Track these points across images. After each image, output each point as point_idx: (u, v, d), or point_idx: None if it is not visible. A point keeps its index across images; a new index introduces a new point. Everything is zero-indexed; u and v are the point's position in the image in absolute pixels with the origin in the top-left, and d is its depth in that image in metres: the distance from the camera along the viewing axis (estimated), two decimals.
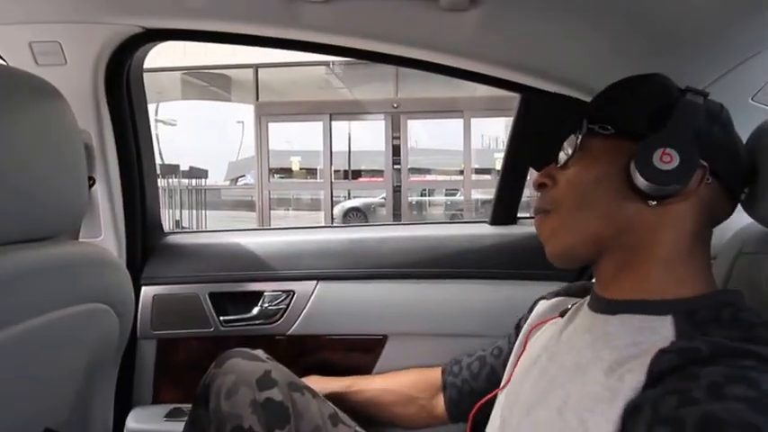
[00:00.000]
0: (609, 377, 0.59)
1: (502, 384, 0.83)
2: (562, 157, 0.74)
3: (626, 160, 0.66)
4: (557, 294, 0.92)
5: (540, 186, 0.75)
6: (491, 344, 1.06)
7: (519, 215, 1.49)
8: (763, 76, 1.05)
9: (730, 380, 0.49)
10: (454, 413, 1.08)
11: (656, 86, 0.71)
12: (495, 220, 1.48)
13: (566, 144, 0.74)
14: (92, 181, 1.23)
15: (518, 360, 0.82)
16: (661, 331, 0.61)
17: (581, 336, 0.70)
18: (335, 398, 1.12)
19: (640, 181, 0.63)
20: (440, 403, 1.09)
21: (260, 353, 1.05)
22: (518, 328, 0.99)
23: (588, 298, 0.77)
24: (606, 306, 0.70)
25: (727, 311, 0.60)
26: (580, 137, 0.71)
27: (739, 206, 0.82)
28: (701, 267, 0.67)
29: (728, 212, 0.71)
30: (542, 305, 0.92)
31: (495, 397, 0.84)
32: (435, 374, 1.13)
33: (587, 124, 0.71)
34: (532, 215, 0.80)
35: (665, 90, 0.70)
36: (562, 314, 0.81)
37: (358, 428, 1.06)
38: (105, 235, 1.29)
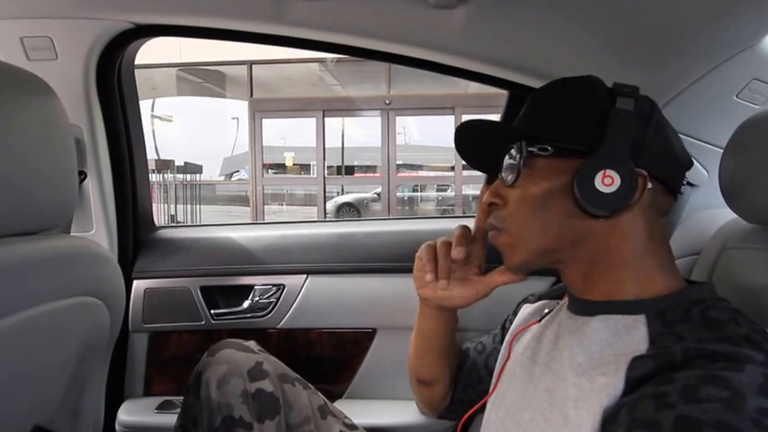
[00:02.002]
0: (581, 378, 0.62)
1: (490, 391, 0.84)
2: (507, 176, 0.73)
3: (569, 178, 0.66)
4: (540, 297, 0.93)
5: (490, 205, 0.75)
6: (476, 337, 1.07)
7: None
8: (747, 73, 1.06)
9: (703, 382, 0.51)
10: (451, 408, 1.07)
11: (586, 97, 0.71)
12: None
13: (507, 163, 0.74)
14: (83, 175, 1.24)
15: (504, 366, 0.84)
16: (635, 333, 0.62)
17: (561, 338, 0.72)
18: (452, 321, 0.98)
19: (585, 205, 0.65)
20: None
21: (252, 344, 1.06)
22: (503, 328, 1.00)
23: (567, 300, 0.78)
24: (584, 307, 0.71)
25: (697, 309, 0.62)
26: (522, 159, 0.70)
27: (723, 202, 0.84)
28: (664, 262, 0.69)
29: (672, 204, 0.72)
30: (526, 308, 0.93)
31: (484, 403, 0.85)
32: None
33: (527, 147, 0.70)
34: None
35: (595, 99, 0.70)
36: (540, 320, 0.83)
37: (347, 419, 1.07)
38: (97, 229, 1.29)
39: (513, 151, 0.72)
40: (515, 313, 0.97)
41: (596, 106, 0.69)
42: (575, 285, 0.73)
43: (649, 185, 0.66)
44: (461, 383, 1.03)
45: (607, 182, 0.64)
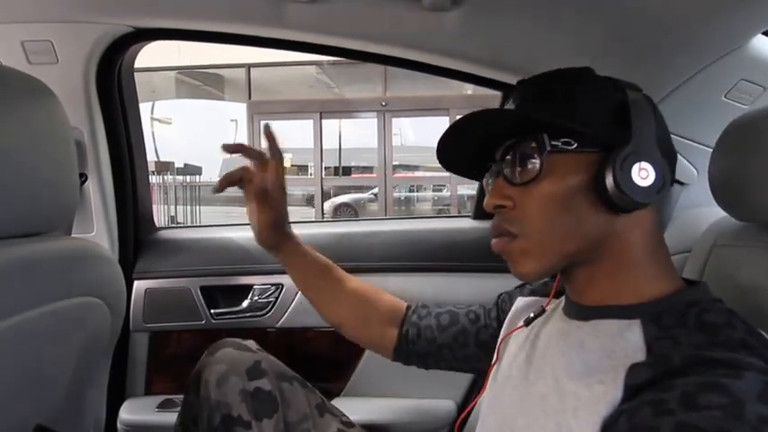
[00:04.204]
0: (579, 385, 0.61)
1: (480, 392, 0.83)
2: (517, 174, 0.67)
3: (593, 173, 0.63)
4: (533, 292, 0.91)
5: (496, 208, 0.69)
6: (464, 305, 1.03)
7: None
8: (735, 74, 1.08)
9: (703, 389, 0.50)
10: (402, 350, 1.02)
11: (598, 87, 0.67)
12: (477, 215, 1.51)
13: (518, 159, 0.67)
14: (83, 177, 1.25)
15: (491, 369, 0.82)
16: (630, 337, 0.61)
17: (556, 343, 0.69)
18: (319, 266, 1.07)
19: (620, 198, 0.61)
20: (391, 334, 1.02)
21: (251, 343, 1.06)
22: (497, 306, 0.98)
23: (563, 300, 0.77)
24: (580, 312, 0.69)
25: (692, 313, 0.60)
26: (544, 155, 0.64)
27: (712, 200, 0.85)
28: (664, 263, 0.67)
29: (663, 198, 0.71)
30: (520, 300, 0.91)
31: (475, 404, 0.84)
32: (401, 306, 1.06)
33: (550, 141, 0.64)
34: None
35: (608, 90, 0.67)
36: (527, 323, 0.81)
37: (344, 417, 1.08)
38: (98, 230, 1.31)
39: (532, 144, 0.65)
40: (511, 297, 0.95)
41: (612, 97, 0.66)
42: (577, 288, 0.70)
43: None
44: (439, 341, 0.99)
45: (643, 175, 0.61)
